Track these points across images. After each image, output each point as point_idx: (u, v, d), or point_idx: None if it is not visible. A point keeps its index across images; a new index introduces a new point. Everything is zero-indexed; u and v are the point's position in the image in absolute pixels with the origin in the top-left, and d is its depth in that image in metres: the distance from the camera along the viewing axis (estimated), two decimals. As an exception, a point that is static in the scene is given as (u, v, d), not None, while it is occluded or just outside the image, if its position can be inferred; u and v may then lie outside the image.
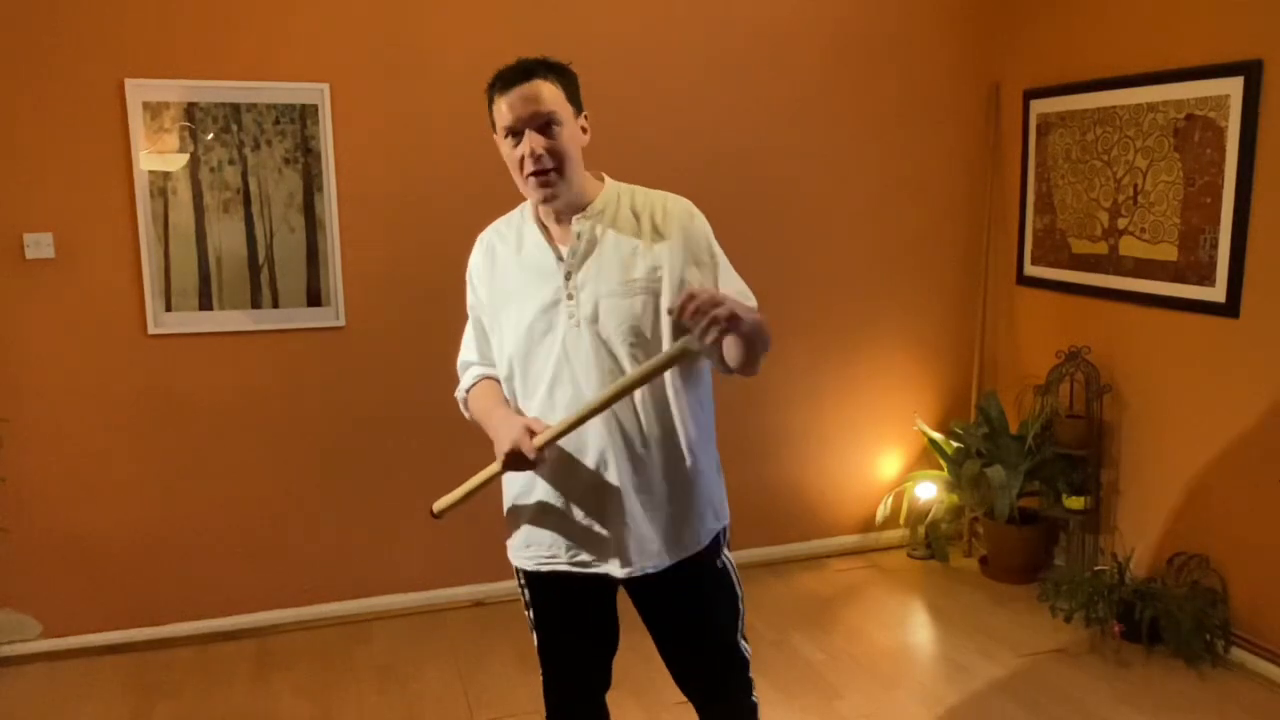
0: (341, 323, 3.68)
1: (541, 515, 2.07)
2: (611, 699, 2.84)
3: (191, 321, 3.53)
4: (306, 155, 3.56)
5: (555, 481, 2.04)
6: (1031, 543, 4.05)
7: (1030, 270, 4.21)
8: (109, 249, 3.43)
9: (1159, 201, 3.57)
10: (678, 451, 2.05)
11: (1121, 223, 3.74)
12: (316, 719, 3.17)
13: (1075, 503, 3.85)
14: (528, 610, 2.23)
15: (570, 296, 1.99)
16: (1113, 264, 3.78)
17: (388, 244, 3.69)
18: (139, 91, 3.37)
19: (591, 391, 1.96)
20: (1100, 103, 3.77)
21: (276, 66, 3.49)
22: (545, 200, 2.00)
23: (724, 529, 2.22)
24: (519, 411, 2.06)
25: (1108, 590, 3.52)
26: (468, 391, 2.18)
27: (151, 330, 3.50)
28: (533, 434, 1.94)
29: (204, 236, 3.51)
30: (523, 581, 2.20)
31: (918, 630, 3.78)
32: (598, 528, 2.03)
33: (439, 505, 2.17)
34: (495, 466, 2.03)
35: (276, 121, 3.52)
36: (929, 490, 4.30)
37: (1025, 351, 4.28)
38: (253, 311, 3.58)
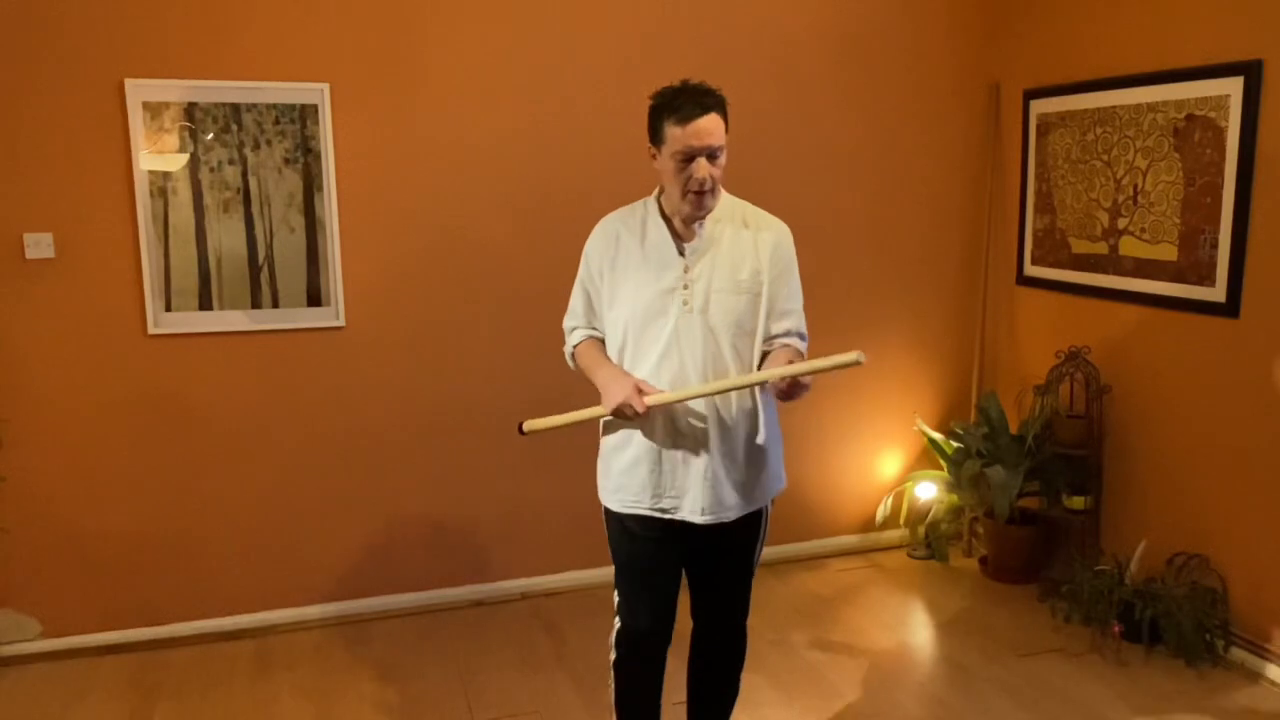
0: (341, 323, 3.68)
1: (634, 467, 2.40)
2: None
3: (191, 321, 3.53)
4: (306, 155, 3.56)
5: (653, 441, 2.38)
6: (1031, 543, 4.05)
7: (1030, 270, 4.21)
8: (109, 249, 3.43)
9: (1159, 201, 3.57)
10: (756, 425, 2.40)
11: (1121, 223, 3.74)
12: (316, 719, 3.17)
13: (1075, 503, 3.85)
14: (611, 541, 2.55)
15: (686, 286, 2.35)
16: (1113, 264, 3.78)
17: (388, 244, 3.69)
18: (139, 91, 3.37)
19: (695, 368, 2.33)
20: (1100, 103, 3.77)
21: (276, 66, 3.49)
22: (698, 214, 2.36)
23: (779, 491, 2.55)
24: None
25: (1108, 590, 3.52)
26: (575, 348, 2.53)
27: (151, 330, 3.50)
28: (641, 393, 2.29)
29: (204, 236, 3.51)
30: (607, 517, 2.54)
31: (918, 630, 3.78)
32: (684, 482, 2.37)
33: (529, 425, 2.51)
34: (601, 411, 2.36)
35: (276, 121, 3.52)
36: (929, 490, 4.30)
37: (1025, 351, 4.28)
38: (253, 311, 3.58)
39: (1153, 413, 3.67)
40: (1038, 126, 4.10)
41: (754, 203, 4.40)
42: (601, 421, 2.45)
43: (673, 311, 2.34)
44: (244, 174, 3.51)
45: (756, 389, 2.38)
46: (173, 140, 3.43)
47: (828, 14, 4.05)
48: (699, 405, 2.35)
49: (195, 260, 3.50)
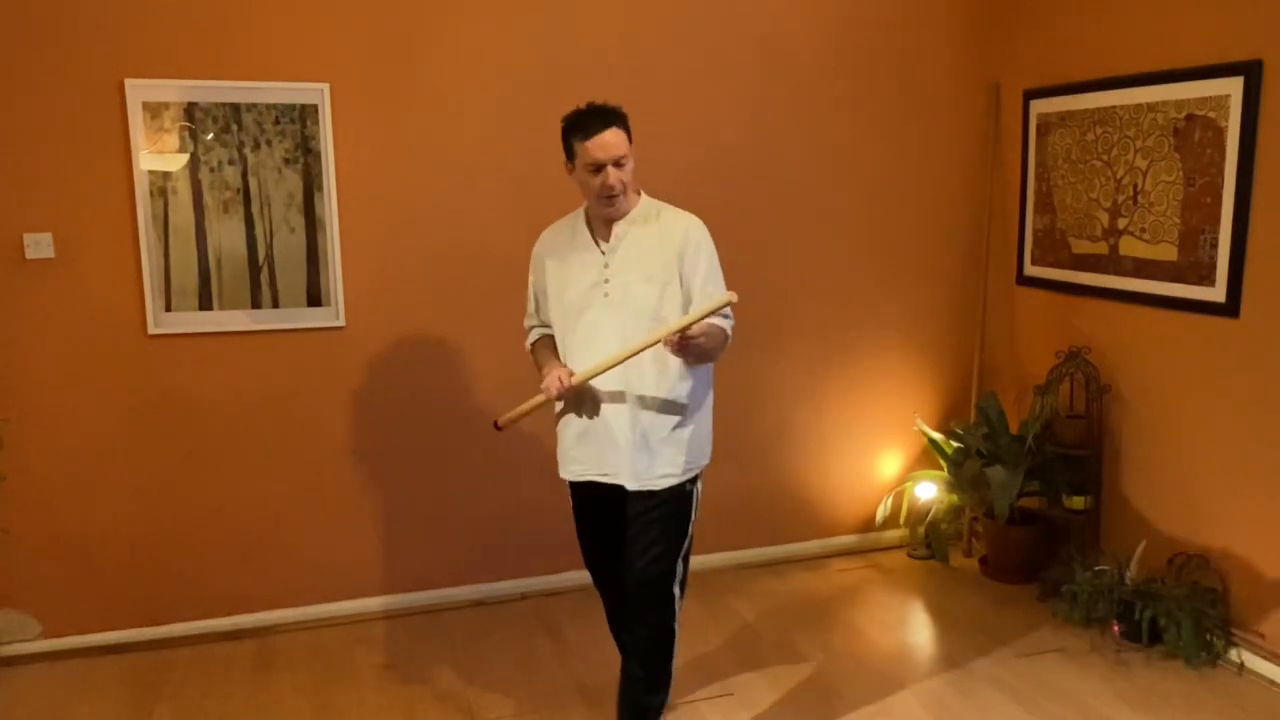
0: (341, 323, 3.68)
1: (577, 440, 2.74)
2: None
3: (191, 321, 3.53)
4: (306, 155, 3.56)
5: (587, 417, 2.70)
6: (1031, 543, 4.05)
7: (1030, 270, 4.21)
8: (109, 249, 3.43)
9: (1159, 201, 3.57)
10: (678, 402, 2.66)
11: (1121, 223, 3.74)
12: (316, 719, 3.17)
13: (1075, 503, 3.85)
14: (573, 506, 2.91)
15: (607, 280, 2.64)
16: (1113, 264, 3.78)
17: (388, 244, 3.69)
18: (139, 91, 3.37)
19: (619, 348, 2.58)
20: (1100, 103, 3.77)
21: (276, 66, 3.49)
22: (610, 214, 2.63)
23: (703, 469, 2.78)
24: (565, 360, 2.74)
25: (1108, 590, 3.52)
26: (532, 344, 2.91)
27: (151, 330, 3.50)
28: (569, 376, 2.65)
29: (204, 236, 3.51)
30: (569, 487, 2.87)
31: (918, 630, 3.78)
32: (613, 452, 2.67)
33: (503, 419, 2.85)
34: (540, 398, 2.72)
35: (276, 121, 3.52)
36: (929, 490, 4.30)
37: (1025, 351, 4.28)
38: (253, 311, 3.58)
39: (1153, 413, 3.67)
40: (1038, 126, 4.10)
41: (754, 203, 4.43)
42: (555, 406, 2.77)
43: (596, 304, 2.64)
44: (244, 174, 3.51)
45: (679, 365, 2.61)
46: (173, 140, 3.43)
47: (827, 14, 4.05)
48: (615, 383, 2.62)
49: (195, 260, 3.50)
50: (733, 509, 4.20)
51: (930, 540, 4.33)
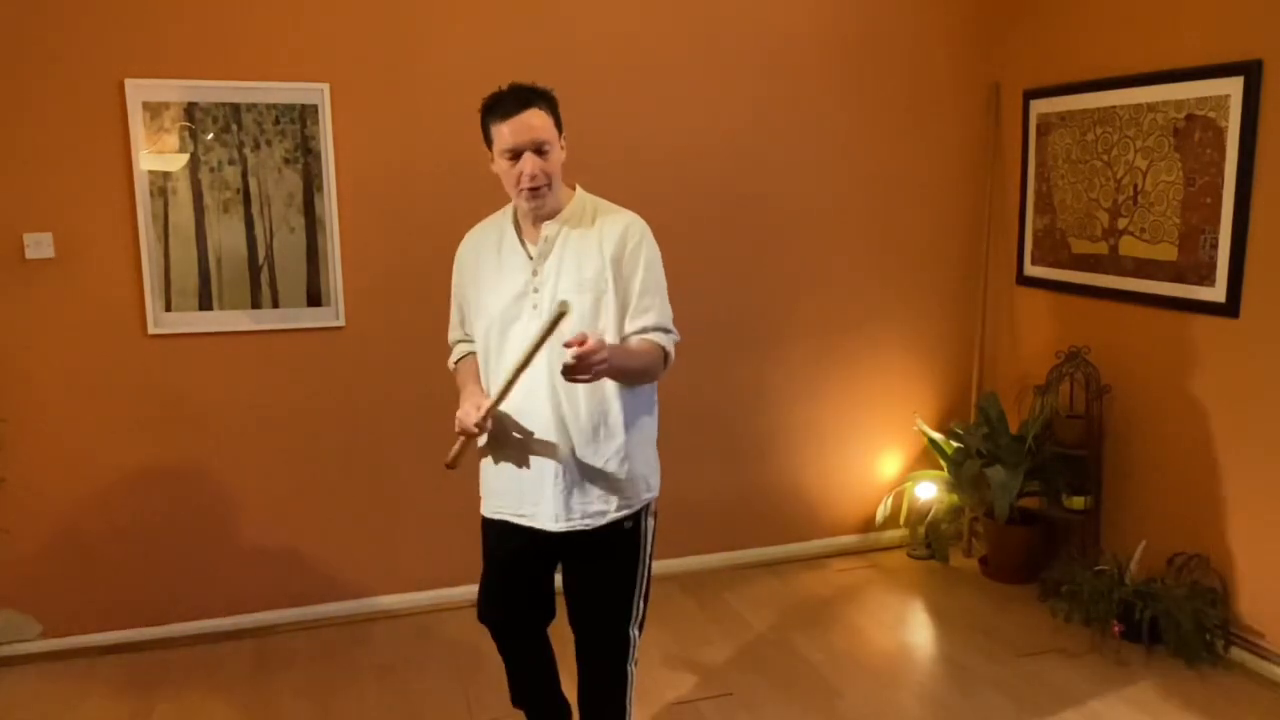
0: (341, 323, 3.68)
1: (498, 475, 2.45)
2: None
3: (191, 321, 3.53)
4: (306, 155, 3.56)
5: (509, 449, 2.39)
6: (1031, 543, 4.05)
7: (1030, 270, 4.21)
8: (109, 249, 3.43)
9: (1159, 201, 3.57)
10: (613, 432, 2.35)
11: (1121, 223, 3.74)
12: (316, 719, 3.17)
13: (1075, 503, 3.85)
14: (484, 545, 2.61)
15: (535, 290, 2.33)
16: (1113, 264, 3.78)
17: (388, 244, 3.69)
18: (139, 91, 3.37)
19: (543, 373, 2.28)
20: (1100, 103, 3.77)
21: (276, 66, 3.49)
22: (534, 209, 2.33)
23: (648, 503, 2.47)
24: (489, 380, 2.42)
25: (1108, 590, 3.52)
26: (456, 363, 2.59)
27: (151, 330, 3.50)
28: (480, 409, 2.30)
29: (204, 236, 3.51)
30: (482, 524, 2.58)
31: (918, 630, 3.78)
32: (538, 490, 2.37)
33: (449, 458, 2.47)
34: (463, 436, 2.39)
35: (276, 121, 3.52)
36: (929, 490, 4.30)
37: (1025, 351, 4.28)
38: (253, 311, 3.58)
39: (1153, 413, 3.67)
40: (1038, 126, 4.10)
41: (753, 202, 4.41)
42: (481, 439, 2.43)
43: (524, 317, 2.31)
44: (244, 174, 3.51)
45: (612, 387, 2.31)
46: (173, 140, 3.43)
47: (827, 14, 4.05)
48: (545, 410, 2.31)
49: (195, 260, 3.50)
50: (733, 509, 4.20)
51: (930, 540, 4.33)
